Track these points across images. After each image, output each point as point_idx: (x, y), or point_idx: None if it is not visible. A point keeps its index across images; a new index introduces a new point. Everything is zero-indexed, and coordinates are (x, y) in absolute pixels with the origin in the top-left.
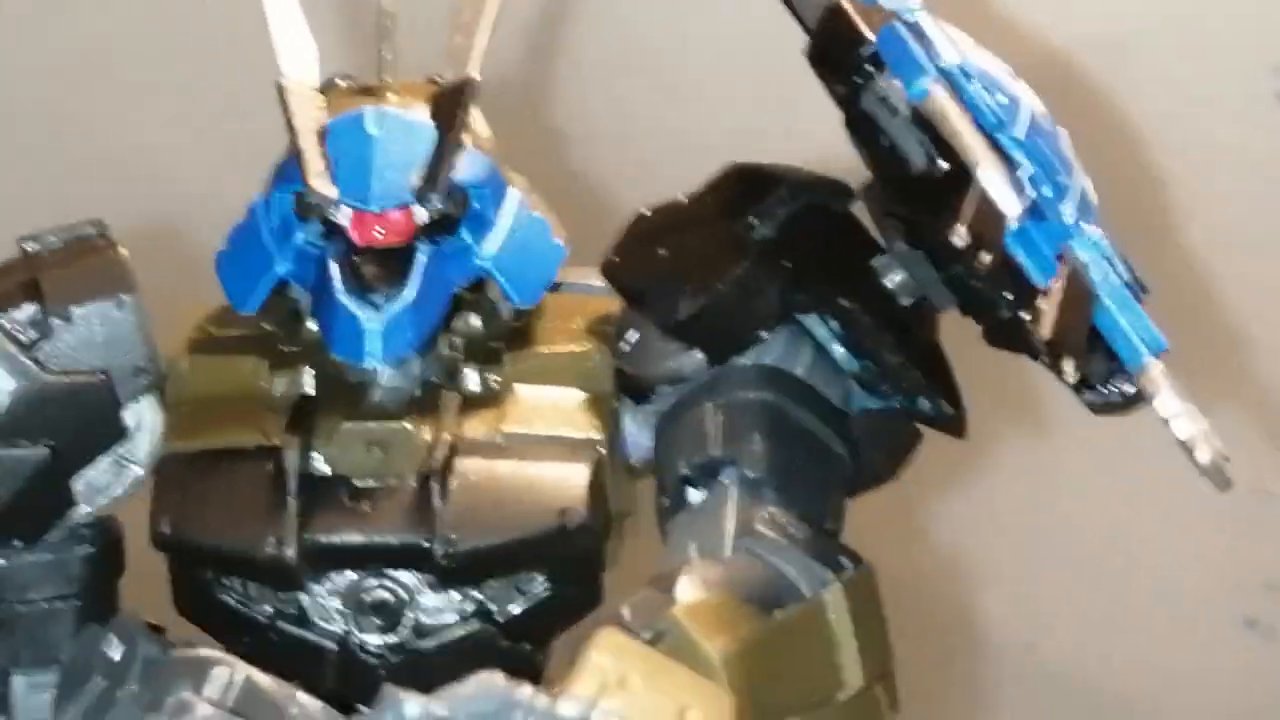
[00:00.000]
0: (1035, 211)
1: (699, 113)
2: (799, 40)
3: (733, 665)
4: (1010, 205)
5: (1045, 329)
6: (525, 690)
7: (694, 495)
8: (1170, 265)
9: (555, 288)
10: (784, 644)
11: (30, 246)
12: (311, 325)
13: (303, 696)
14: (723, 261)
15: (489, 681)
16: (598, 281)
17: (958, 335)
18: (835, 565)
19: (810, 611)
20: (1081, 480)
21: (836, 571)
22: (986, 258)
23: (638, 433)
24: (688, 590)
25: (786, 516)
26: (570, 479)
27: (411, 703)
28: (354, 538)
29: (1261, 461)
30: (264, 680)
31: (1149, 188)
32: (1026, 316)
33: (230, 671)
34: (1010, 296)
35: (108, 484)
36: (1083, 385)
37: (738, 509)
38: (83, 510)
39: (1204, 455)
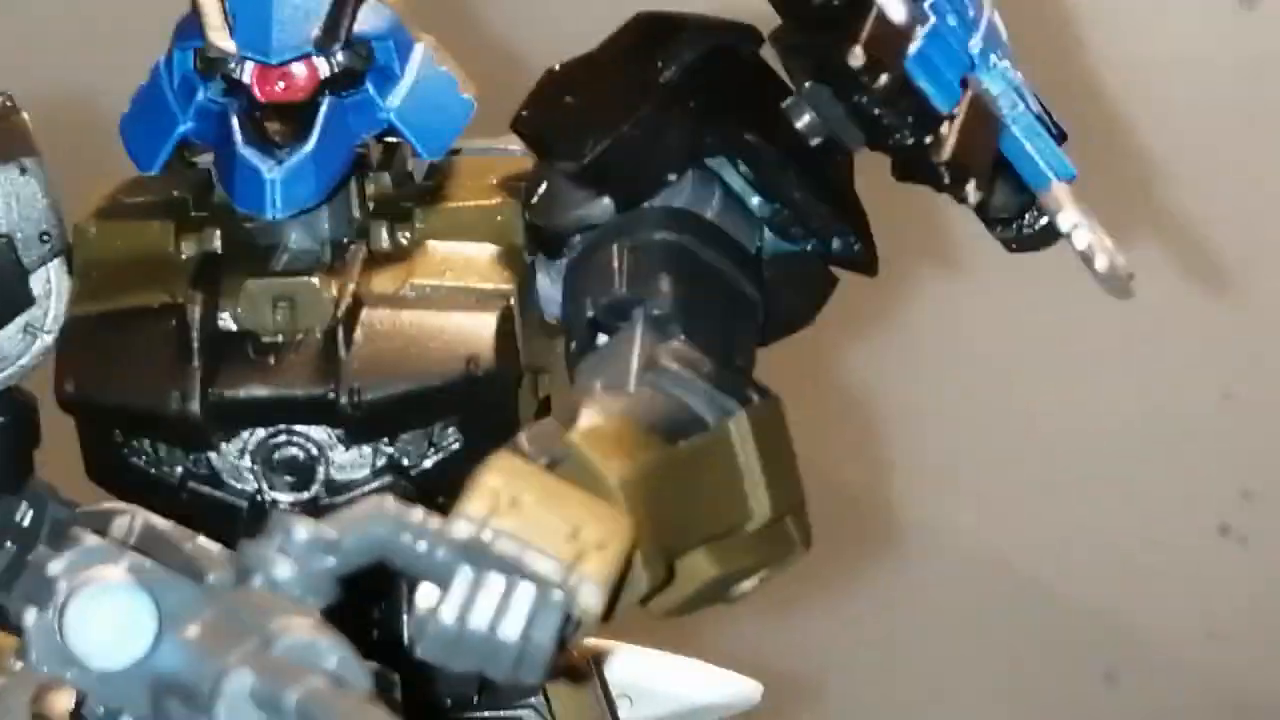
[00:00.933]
0: (937, 37)
1: None
2: None
3: (630, 489)
4: (895, 10)
5: (946, 151)
6: (416, 513)
7: (602, 339)
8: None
9: (455, 153)
10: (687, 472)
11: None
12: (220, 191)
13: (201, 538)
14: (629, 104)
15: (379, 505)
16: (513, 146)
17: (874, 180)
18: (741, 396)
19: (714, 440)
20: (998, 325)
21: (742, 402)
22: (885, 78)
23: (551, 288)
24: (588, 419)
25: (693, 351)
26: (478, 327)
27: (300, 527)
28: (259, 391)
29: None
30: (163, 523)
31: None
32: (929, 140)
33: (130, 519)
34: (913, 121)
35: (16, 353)
36: (997, 222)
37: (643, 345)
38: None
39: (1102, 263)
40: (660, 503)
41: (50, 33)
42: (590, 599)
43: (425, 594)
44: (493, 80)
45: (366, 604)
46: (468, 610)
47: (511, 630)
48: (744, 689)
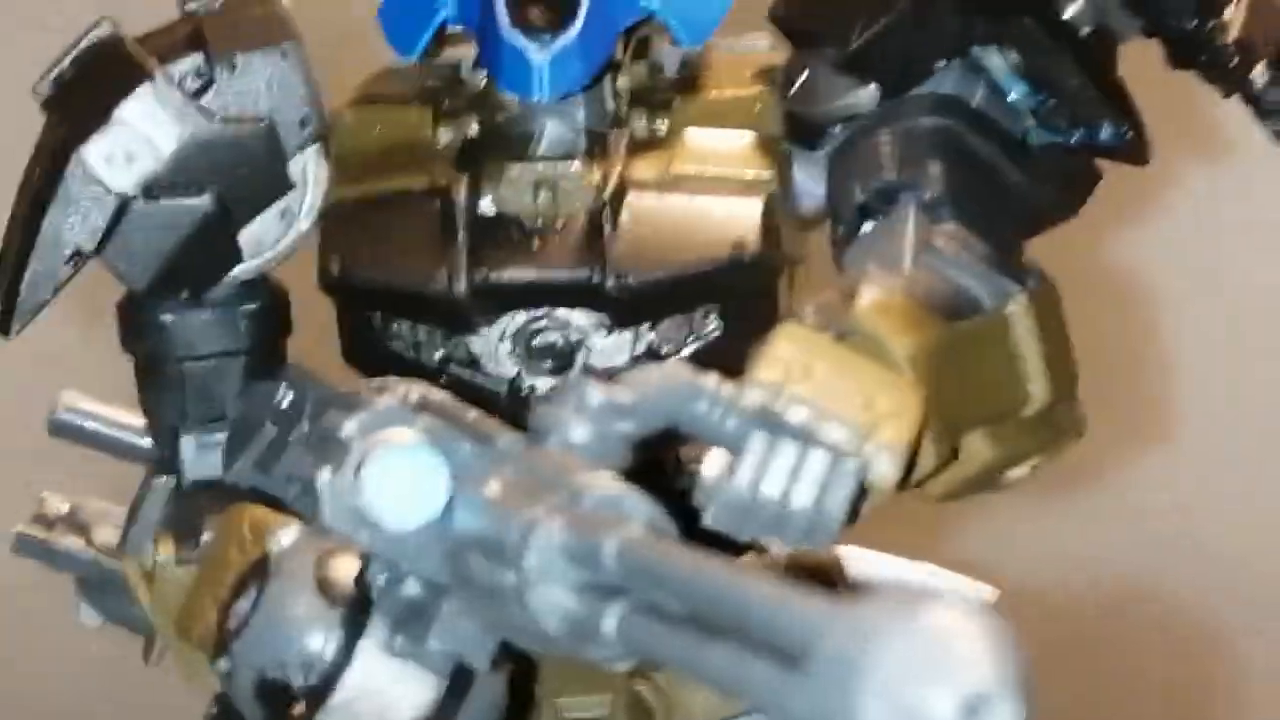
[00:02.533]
0: None
1: None
2: None
3: (919, 364)
4: None
5: (1233, 32)
6: (710, 379)
7: (868, 226)
8: None
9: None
10: (969, 352)
11: (191, 6)
12: (474, 79)
13: (470, 408)
14: None
15: (673, 371)
16: (762, 44)
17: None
18: (1019, 280)
19: (995, 322)
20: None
21: (1020, 285)
22: None
23: (807, 180)
24: (870, 295)
25: (966, 234)
26: (743, 213)
27: (596, 390)
28: (524, 274)
29: None
30: (441, 395)
31: None
32: (1212, 23)
33: (406, 389)
34: (1189, 4)
35: (274, 238)
36: (1272, 114)
37: (916, 228)
38: (249, 264)
39: None
40: (944, 380)
41: None
42: (885, 468)
43: (713, 460)
44: None
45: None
46: (760, 477)
47: (805, 498)
48: (979, 590)
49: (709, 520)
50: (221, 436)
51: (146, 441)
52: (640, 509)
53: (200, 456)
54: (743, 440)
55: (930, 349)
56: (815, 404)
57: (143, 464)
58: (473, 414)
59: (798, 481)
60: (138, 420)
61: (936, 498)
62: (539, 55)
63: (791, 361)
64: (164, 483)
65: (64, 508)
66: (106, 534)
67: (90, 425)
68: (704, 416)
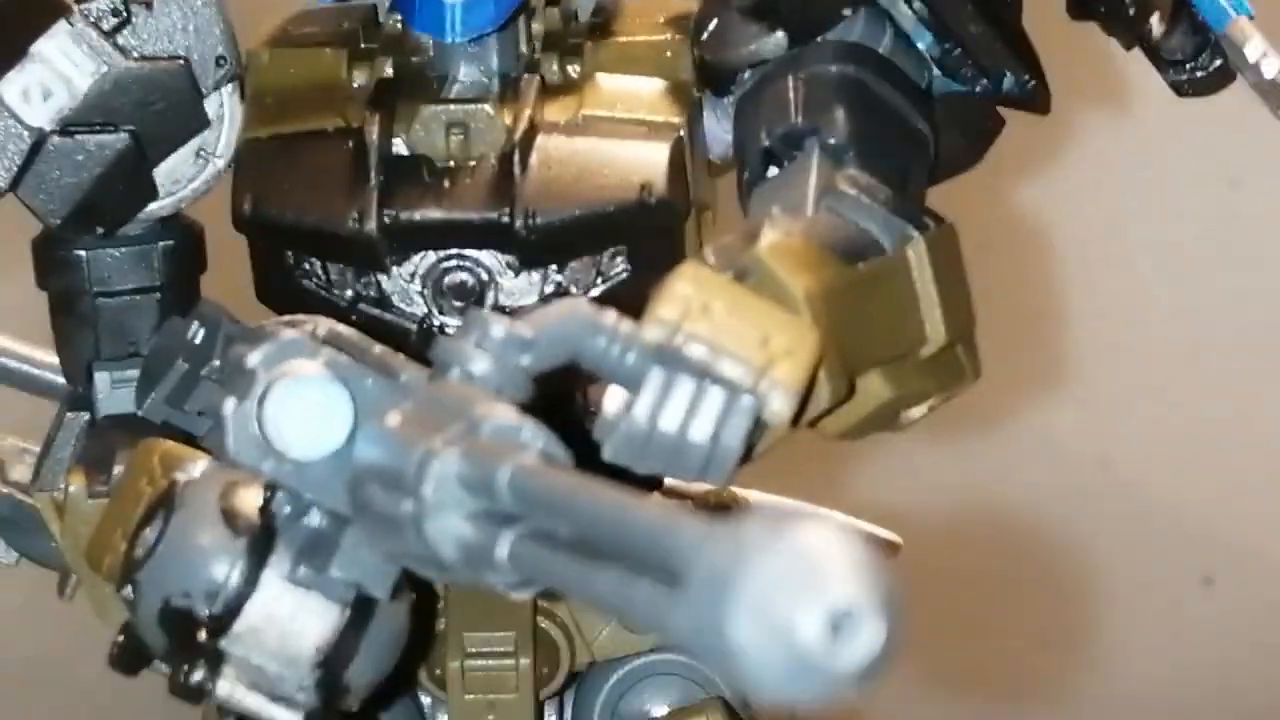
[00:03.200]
0: None
1: None
2: None
3: (816, 304)
4: None
5: None
6: (609, 315)
7: (773, 172)
8: None
9: None
10: (867, 293)
11: None
12: (390, 21)
13: (376, 343)
14: None
15: (573, 306)
16: None
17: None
18: (918, 222)
19: (893, 263)
20: (1169, 171)
21: (919, 228)
22: None
23: (716, 126)
24: (770, 236)
25: (868, 178)
26: (651, 156)
27: (497, 323)
28: (434, 213)
29: None
30: (347, 330)
31: None
32: None
33: (313, 324)
34: None
35: (189, 175)
36: (1170, 64)
37: (820, 172)
38: (165, 202)
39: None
40: (841, 320)
41: None
42: (780, 404)
43: (613, 395)
44: None
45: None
46: (658, 412)
47: (701, 432)
48: (887, 537)
49: (607, 454)
50: (135, 373)
51: (61, 378)
52: (536, 438)
53: (114, 392)
54: (640, 376)
55: (828, 289)
56: (712, 341)
57: (57, 401)
58: (378, 349)
59: (694, 416)
60: (52, 357)
61: (834, 436)
62: None
63: (690, 300)
64: (77, 418)
65: None
66: (21, 471)
67: (4, 361)
68: (603, 352)
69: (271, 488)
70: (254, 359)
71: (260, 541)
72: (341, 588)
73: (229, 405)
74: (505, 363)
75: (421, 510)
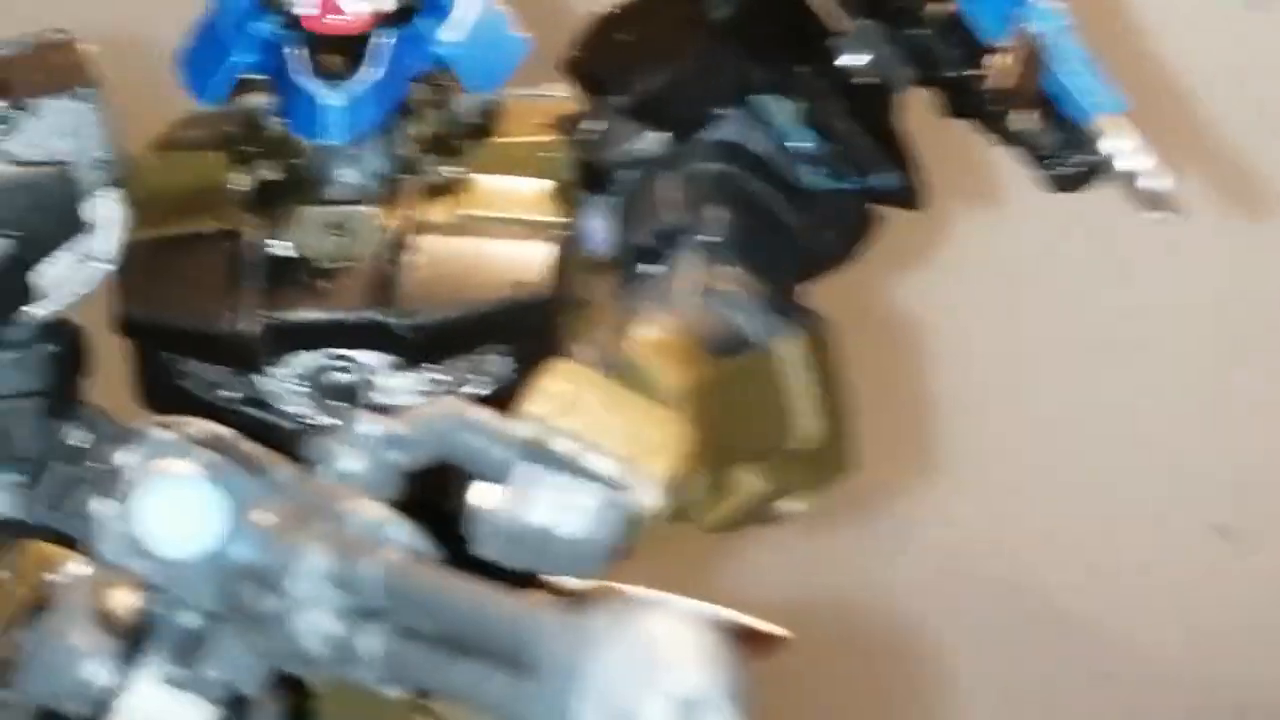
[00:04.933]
0: None
1: None
2: None
3: (687, 398)
4: None
5: (997, 80)
6: (481, 411)
7: (651, 267)
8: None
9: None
10: (739, 388)
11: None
12: (271, 125)
13: (256, 445)
14: (681, 40)
15: (445, 404)
16: (558, 93)
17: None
18: (792, 318)
19: (766, 359)
20: (1043, 265)
21: (793, 324)
22: (935, 8)
23: (598, 224)
24: (643, 331)
25: (742, 274)
26: (527, 255)
27: (368, 421)
28: (312, 313)
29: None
30: (222, 430)
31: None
32: (975, 73)
33: (188, 424)
34: (961, 53)
35: (71, 279)
36: (1040, 160)
37: (693, 268)
38: (47, 306)
39: (1147, 181)
40: (713, 414)
41: None
42: (650, 498)
43: (480, 491)
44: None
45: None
46: (526, 507)
47: (570, 527)
48: (771, 630)
49: (476, 548)
50: (15, 477)
51: None
52: (401, 534)
53: None
54: (511, 471)
55: (700, 384)
56: (583, 436)
57: None
58: (252, 448)
59: (563, 511)
60: None
61: (709, 529)
62: (331, 100)
63: (560, 395)
64: None
65: None
66: None
67: None
68: (474, 448)
69: (146, 587)
70: (124, 458)
71: (132, 641)
72: (216, 688)
73: (97, 504)
74: (377, 459)
75: (287, 606)
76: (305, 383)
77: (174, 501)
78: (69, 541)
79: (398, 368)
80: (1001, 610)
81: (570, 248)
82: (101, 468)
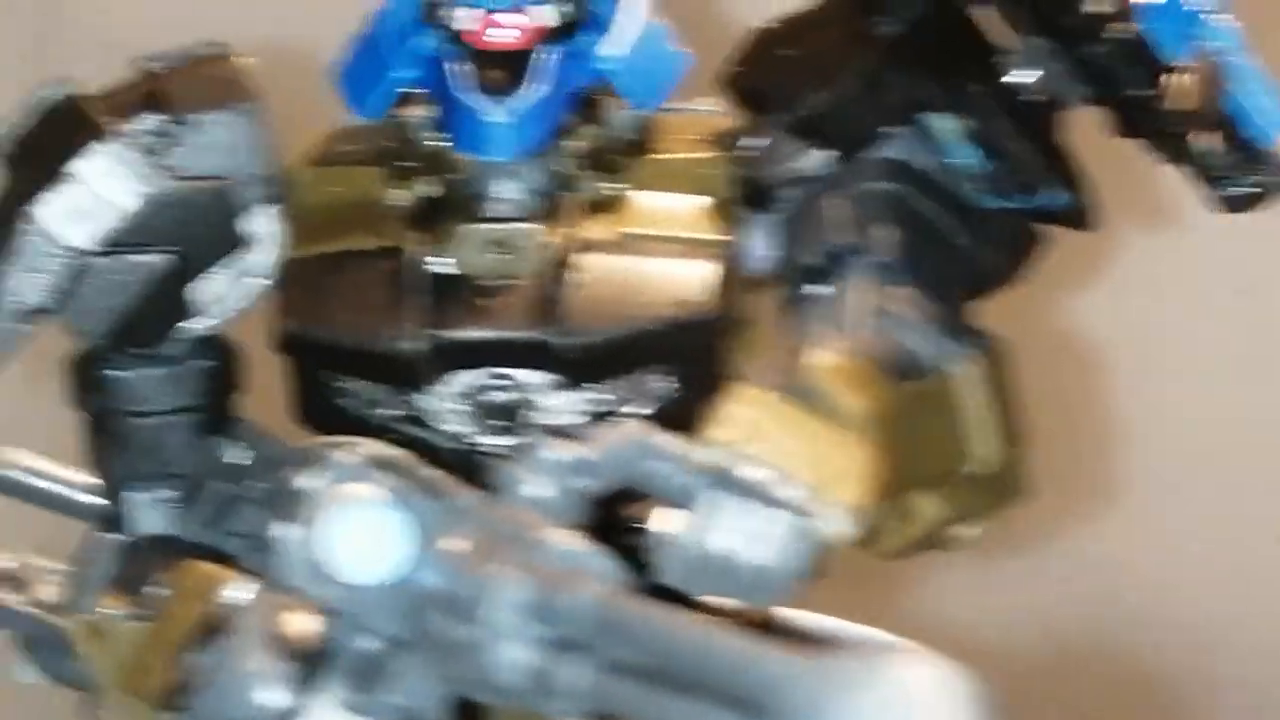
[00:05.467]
0: None
1: None
2: None
3: (869, 423)
4: None
5: (1177, 99)
6: (666, 438)
7: (816, 289)
8: None
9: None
10: (916, 412)
11: (151, 65)
12: (428, 139)
13: (427, 466)
14: (850, 56)
15: (631, 429)
16: (711, 107)
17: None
18: (967, 340)
19: (943, 383)
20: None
21: (968, 346)
22: (1116, 27)
23: (757, 242)
24: (821, 355)
25: (916, 296)
26: (691, 274)
27: (556, 447)
28: (474, 332)
29: None
30: (394, 452)
31: None
32: (1155, 92)
33: (365, 446)
34: (1141, 72)
35: (228, 295)
36: (1212, 180)
37: (866, 290)
38: (204, 321)
39: None
40: (893, 440)
41: None
42: (837, 525)
43: (662, 517)
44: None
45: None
46: (712, 534)
47: (756, 555)
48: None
49: (663, 575)
50: (170, 493)
51: (87, 498)
52: (601, 565)
53: (148, 513)
54: (696, 498)
55: (881, 409)
56: (767, 463)
57: (83, 520)
58: (429, 471)
59: (750, 539)
60: (78, 476)
61: (886, 556)
62: (496, 116)
63: (745, 421)
64: (110, 539)
65: (1, 564)
66: (45, 590)
67: (31, 481)
68: (659, 474)
69: (323, 611)
70: (311, 483)
71: (310, 667)
72: (393, 713)
73: (283, 530)
74: (564, 486)
75: (484, 636)
76: (465, 401)
77: (360, 527)
78: (229, 561)
79: (558, 387)
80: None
81: (731, 266)
82: (269, 488)
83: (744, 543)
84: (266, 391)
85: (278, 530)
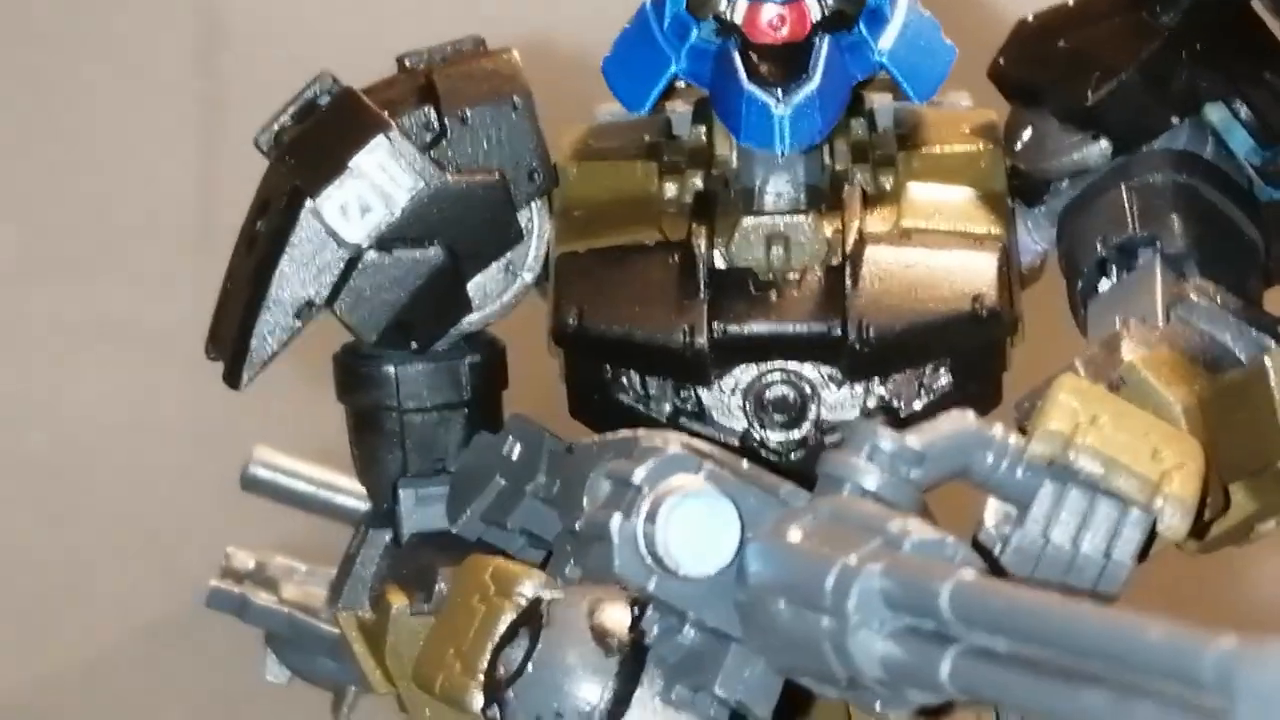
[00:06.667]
0: None
1: None
2: None
3: (1193, 415)
4: None
5: None
6: (997, 428)
7: (1107, 283)
8: None
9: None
10: (1233, 405)
11: (411, 61)
12: (690, 133)
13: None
14: (1131, 48)
15: (961, 419)
16: (966, 100)
17: None
18: (1273, 332)
19: (1255, 374)
20: None
21: (1275, 337)
22: None
23: (1026, 236)
24: (1133, 348)
25: (1215, 287)
26: (980, 267)
27: (888, 436)
28: (764, 327)
29: None
30: (707, 446)
31: None
32: None
33: (664, 442)
34: None
35: (497, 291)
36: None
37: (1165, 282)
38: (474, 316)
39: None
40: (1213, 432)
41: None
42: (1176, 519)
43: (993, 508)
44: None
45: None
46: (1052, 525)
47: (1095, 546)
48: None
49: (1003, 563)
50: (441, 489)
51: (341, 498)
52: (961, 553)
53: (420, 508)
54: (1032, 490)
55: (1200, 401)
56: (1104, 455)
57: (339, 521)
58: (746, 463)
59: (1088, 530)
60: (336, 476)
61: (1194, 549)
62: (780, 109)
63: (1077, 412)
64: (380, 536)
65: (250, 563)
66: (292, 590)
67: (288, 482)
68: (991, 466)
69: (640, 605)
70: (639, 474)
71: (632, 660)
72: (716, 707)
73: (615, 522)
74: (896, 476)
75: (844, 627)
76: (745, 396)
77: (692, 519)
78: (507, 556)
79: (840, 381)
80: None
81: (1009, 259)
82: (549, 482)
83: (1089, 535)
84: (524, 385)
85: (609, 521)
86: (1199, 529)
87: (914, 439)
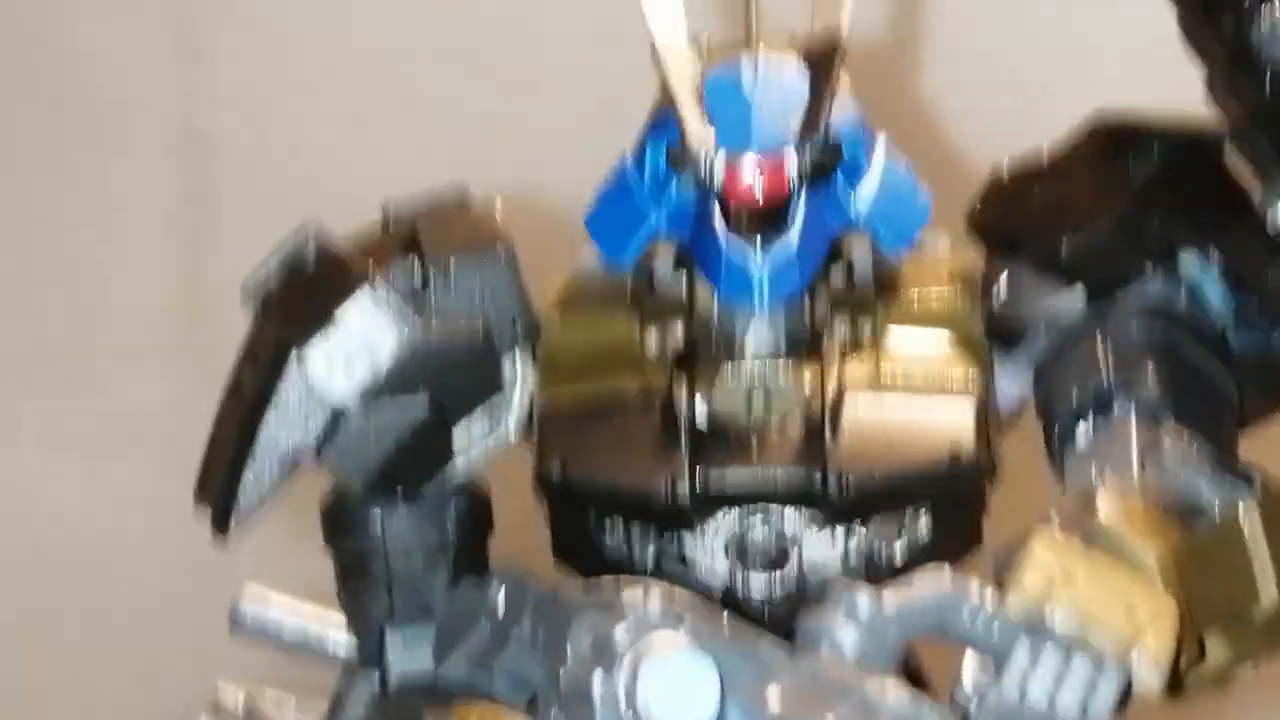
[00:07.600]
0: None
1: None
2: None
3: (1166, 567)
4: None
5: None
6: (973, 585)
7: (1083, 430)
8: None
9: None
10: (1207, 555)
11: (394, 210)
12: (673, 284)
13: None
14: (1104, 199)
15: (938, 577)
16: (943, 242)
17: None
18: (1247, 481)
19: (1228, 525)
20: None
21: (1248, 486)
22: None
23: (1006, 380)
24: (1107, 500)
25: (1189, 435)
26: (958, 415)
27: (864, 596)
28: (745, 475)
29: None
30: (683, 595)
31: None
32: None
33: (644, 591)
34: None
35: (482, 437)
36: None
37: (1140, 431)
38: (458, 463)
39: None
40: (1188, 584)
41: (497, 129)
42: (1150, 675)
43: (971, 664)
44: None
45: None
46: (1027, 682)
47: (1071, 702)
48: None
49: None
50: (426, 631)
51: (338, 637)
52: (938, 718)
53: (406, 651)
54: (1007, 646)
55: (1174, 555)
56: (1079, 611)
57: (331, 662)
58: (727, 616)
59: (1063, 688)
60: (329, 614)
61: (1164, 698)
62: (758, 266)
63: (1052, 567)
64: (367, 677)
65: (240, 698)
66: None
67: (280, 619)
68: (968, 623)
69: None
70: (620, 632)
71: None
72: None
73: (597, 679)
74: (875, 634)
75: None
76: (728, 540)
77: (671, 677)
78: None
79: (821, 524)
80: None
81: (987, 406)
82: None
83: (1065, 692)
84: (510, 530)
85: (591, 679)
86: (1174, 681)
87: (890, 598)
